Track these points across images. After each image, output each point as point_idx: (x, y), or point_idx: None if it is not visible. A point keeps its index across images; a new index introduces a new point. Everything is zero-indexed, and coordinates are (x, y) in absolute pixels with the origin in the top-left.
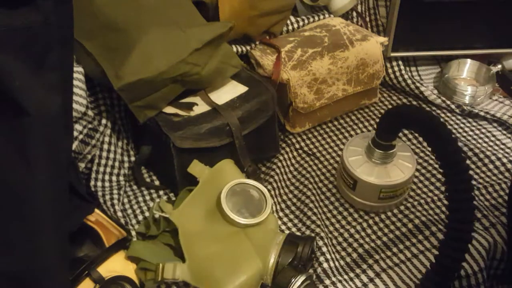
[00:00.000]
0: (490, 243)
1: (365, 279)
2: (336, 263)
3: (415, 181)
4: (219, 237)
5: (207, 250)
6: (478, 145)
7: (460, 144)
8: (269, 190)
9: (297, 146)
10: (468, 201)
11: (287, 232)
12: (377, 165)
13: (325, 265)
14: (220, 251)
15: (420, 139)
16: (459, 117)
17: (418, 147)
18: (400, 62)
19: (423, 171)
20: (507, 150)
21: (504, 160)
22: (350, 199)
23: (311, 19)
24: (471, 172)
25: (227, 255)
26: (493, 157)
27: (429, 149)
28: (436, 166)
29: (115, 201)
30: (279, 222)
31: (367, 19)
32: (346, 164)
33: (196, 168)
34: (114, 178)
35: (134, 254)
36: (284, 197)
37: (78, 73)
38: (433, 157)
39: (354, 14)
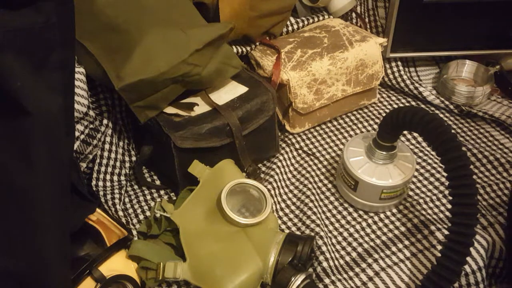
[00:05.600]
0: (489, 242)
1: (364, 278)
2: (336, 262)
3: (414, 181)
4: (219, 236)
5: (207, 250)
6: (477, 145)
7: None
8: (269, 190)
9: (297, 146)
10: (471, 206)
11: (287, 231)
12: (378, 165)
13: (324, 264)
14: (221, 250)
15: (419, 139)
16: (458, 117)
17: (417, 147)
18: (399, 63)
19: (422, 170)
20: (505, 150)
21: (502, 160)
22: (350, 199)
23: (311, 20)
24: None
25: (227, 254)
26: (491, 157)
27: (428, 149)
28: (435, 166)
29: (116, 201)
30: (279, 222)
31: (366, 20)
32: (347, 165)
33: (196, 168)
34: (115, 177)
35: (135, 253)
36: (284, 197)
37: (79, 73)
38: (432, 157)
39: (354, 15)
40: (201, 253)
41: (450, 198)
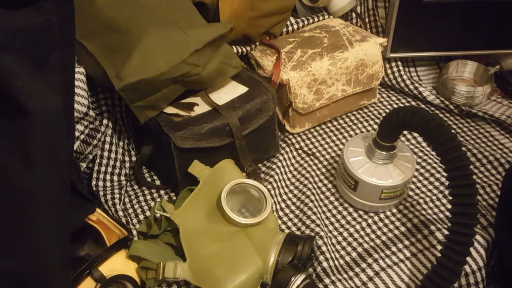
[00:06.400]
0: (489, 241)
1: (364, 278)
2: (336, 262)
3: (414, 181)
4: (219, 236)
5: (207, 249)
6: (477, 145)
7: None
8: (269, 190)
9: (297, 146)
10: (471, 206)
11: (287, 231)
12: (378, 165)
13: (324, 264)
14: (221, 250)
15: (419, 139)
16: (458, 117)
17: (417, 147)
18: (399, 63)
19: (422, 170)
20: (505, 150)
21: (502, 160)
22: (350, 199)
23: (311, 20)
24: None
25: (227, 254)
26: (491, 158)
27: (428, 149)
28: (435, 166)
29: (116, 201)
30: (279, 222)
31: (366, 20)
32: (347, 165)
33: (196, 168)
34: (115, 177)
35: (135, 253)
36: (284, 197)
37: (79, 73)
38: (432, 157)
39: (354, 15)
40: (201, 253)
41: (450, 198)
